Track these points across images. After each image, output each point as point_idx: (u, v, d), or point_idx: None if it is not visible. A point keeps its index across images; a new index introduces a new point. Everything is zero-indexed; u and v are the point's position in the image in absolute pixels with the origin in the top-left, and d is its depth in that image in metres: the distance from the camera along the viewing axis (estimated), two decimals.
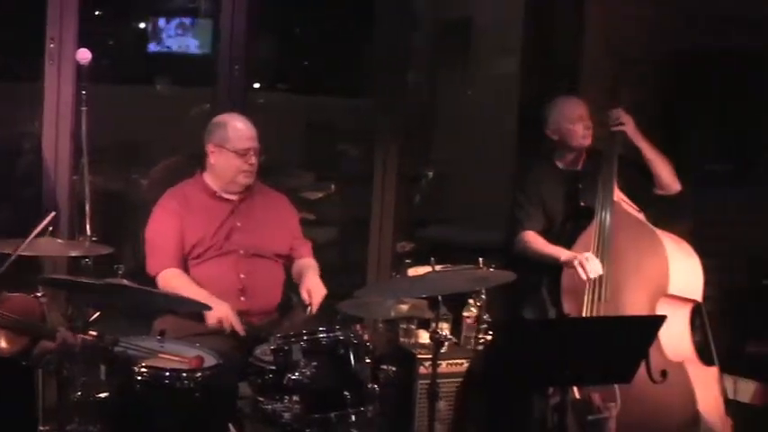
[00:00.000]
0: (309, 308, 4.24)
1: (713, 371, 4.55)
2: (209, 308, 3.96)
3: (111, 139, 5.78)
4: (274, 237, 4.45)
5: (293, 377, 3.62)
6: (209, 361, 3.68)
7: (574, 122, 4.77)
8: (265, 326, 4.25)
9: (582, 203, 4.74)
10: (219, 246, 4.32)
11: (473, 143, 6.94)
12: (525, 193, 4.83)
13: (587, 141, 4.80)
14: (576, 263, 4.46)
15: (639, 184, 4.76)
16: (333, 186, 6.44)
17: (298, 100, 7.21)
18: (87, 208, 4.07)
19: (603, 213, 4.56)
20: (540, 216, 4.80)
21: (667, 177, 4.74)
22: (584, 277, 4.45)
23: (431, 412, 3.99)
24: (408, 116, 5.71)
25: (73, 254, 4.08)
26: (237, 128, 4.36)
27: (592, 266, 4.44)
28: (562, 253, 4.60)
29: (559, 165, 4.89)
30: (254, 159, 4.35)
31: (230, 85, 5.09)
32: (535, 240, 4.74)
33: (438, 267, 4.27)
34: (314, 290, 4.27)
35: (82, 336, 3.50)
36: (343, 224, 6.41)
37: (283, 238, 4.49)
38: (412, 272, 4.83)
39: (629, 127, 4.71)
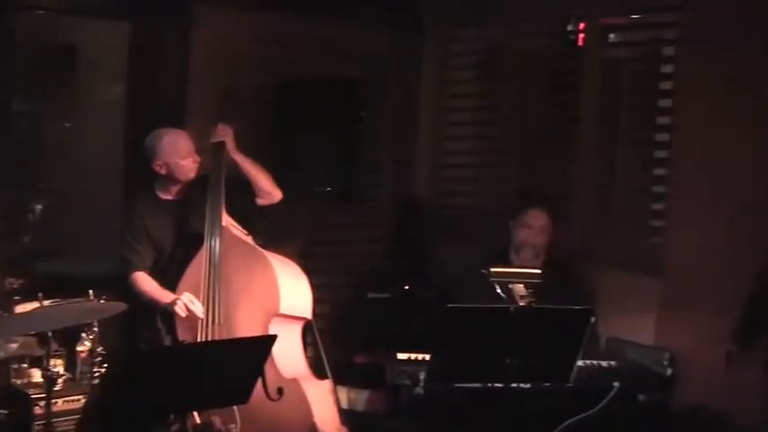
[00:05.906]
0: None
1: (327, 384, 4.78)
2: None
3: None
4: None
5: None
6: None
7: (184, 158, 4.77)
8: None
9: (190, 232, 4.78)
10: None
11: (81, 173, 6.81)
12: (131, 231, 4.78)
13: (194, 174, 4.83)
14: (175, 308, 4.53)
15: (244, 200, 4.85)
16: None
17: None
18: None
19: (212, 239, 4.63)
20: (149, 251, 4.78)
21: (266, 185, 4.86)
22: (182, 315, 4.52)
23: None
24: (13, 146, 5.49)
25: None
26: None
27: (195, 307, 4.52)
28: (164, 297, 4.64)
29: (163, 196, 4.86)
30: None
31: None
32: (144, 283, 4.72)
33: (46, 302, 4.15)
34: None
35: None
36: None
37: None
38: (20, 309, 4.66)
39: (228, 139, 4.81)
